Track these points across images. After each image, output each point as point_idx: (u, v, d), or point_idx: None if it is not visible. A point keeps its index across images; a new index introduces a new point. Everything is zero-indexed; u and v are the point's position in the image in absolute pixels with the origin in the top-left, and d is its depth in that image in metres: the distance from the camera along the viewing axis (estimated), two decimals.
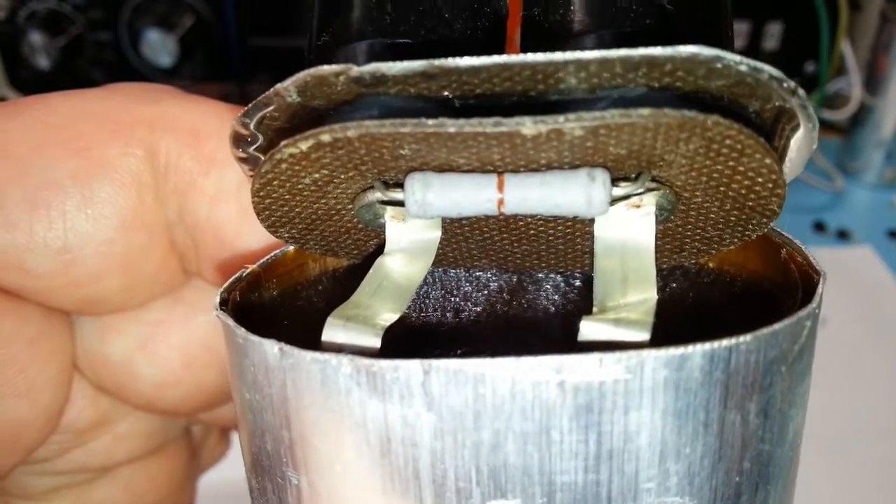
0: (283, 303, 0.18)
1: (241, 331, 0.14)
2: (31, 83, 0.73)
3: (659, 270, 0.17)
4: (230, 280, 0.16)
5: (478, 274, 0.19)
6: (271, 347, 0.13)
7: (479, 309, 0.19)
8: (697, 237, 0.16)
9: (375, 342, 0.15)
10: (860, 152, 0.77)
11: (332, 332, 0.15)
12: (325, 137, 0.13)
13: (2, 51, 0.74)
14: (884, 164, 0.76)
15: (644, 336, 0.14)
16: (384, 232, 0.17)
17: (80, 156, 0.18)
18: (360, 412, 0.13)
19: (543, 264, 0.18)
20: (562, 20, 0.15)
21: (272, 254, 0.17)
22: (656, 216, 0.15)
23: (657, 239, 0.16)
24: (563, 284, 0.19)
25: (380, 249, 0.17)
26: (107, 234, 0.18)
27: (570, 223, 0.16)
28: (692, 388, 0.13)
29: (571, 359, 0.12)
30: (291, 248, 0.18)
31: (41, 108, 0.18)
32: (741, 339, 0.13)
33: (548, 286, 0.19)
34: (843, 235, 0.70)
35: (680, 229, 0.16)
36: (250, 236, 0.19)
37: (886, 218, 0.74)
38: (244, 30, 0.75)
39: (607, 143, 0.13)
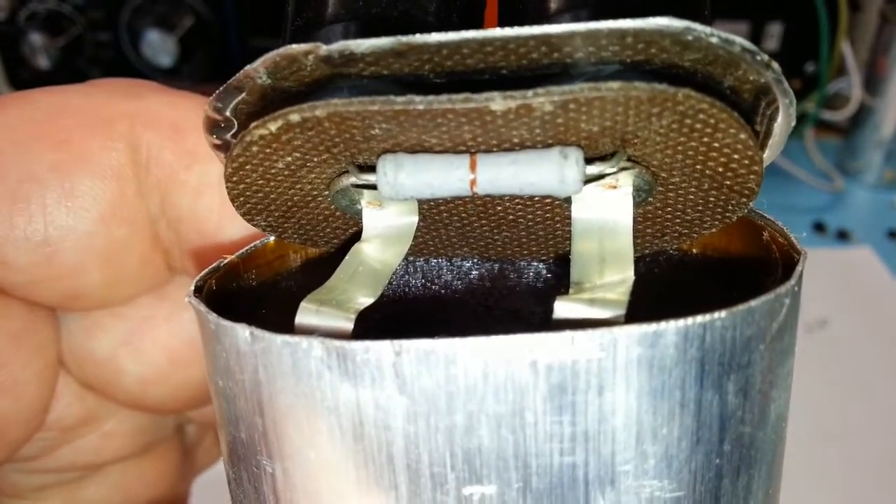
0: (263, 294, 0.18)
1: (213, 316, 0.14)
2: (31, 83, 0.74)
3: (642, 256, 0.17)
4: (207, 269, 0.16)
5: (459, 263, 0.19)
6: (242, 332, 0.13)
7: (459, 297, 0.19)
8: (678, 220, 0.16)
9: (348, 325, 0.15)
10: (860, 153, 0.77)
11: (305, 316, 0.15)
12: (294, 117, 0.13)
13: (2, 51, 0.74)
14: (884, 164, 0.76)
15: (619, 314, 0.14)
16: (362, 219, 0.16)
17: (60, 149, 0.18)
18: (332, 396, 0.13)
19: (525, 251, 0.18)
20: (538, 1, 0.15)
21: (251, 245, 0.17)
22: (634, 197, 0.15)
23: (637, 223, 0.16)
24: (544, 272, 0.19)
25: (358, 238, 0.17)
26: (87, 227, 0.19)
27: (548, 207, 0.16)
28: (667, 365, 0.12)
29: (543, 337, 0.12)
30: (272, 238, 0.17)
31: (23, 104, 0.19)
32: (716, 315, 0.12)
33: (529, 274, 0.19)
34: (842, 236, 0.70)
35: (660, 212, 0.16)
36: (232, 229, 0.19)
37: (886, 218, 0.73)
38: (244, 30, 0.76)
39: (578, 120, 0.13)
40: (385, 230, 0.16)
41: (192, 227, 0.19)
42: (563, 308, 0.14)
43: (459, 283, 0.19)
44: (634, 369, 0.12)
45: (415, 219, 0.16)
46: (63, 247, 0.18)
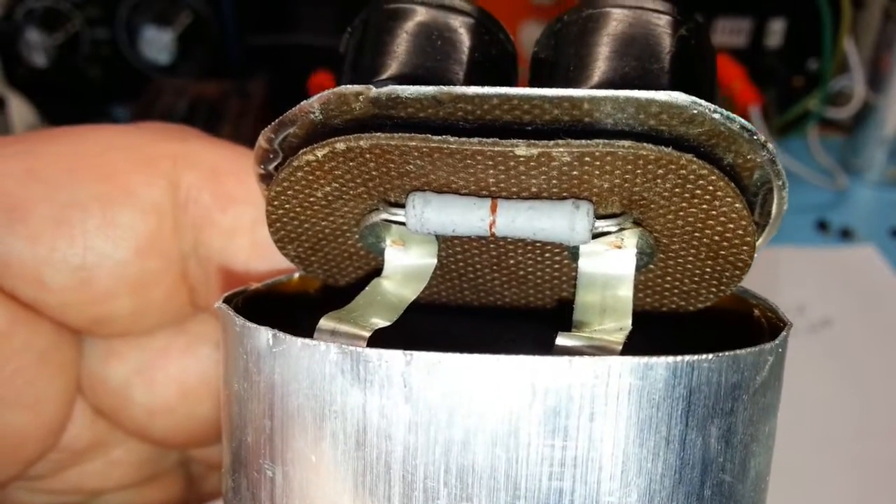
0: (280, 324, 0.19)
1: (240, 319, 0.15)
2: (28, 80, 0.74)
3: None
4: (234, 290, 0.17)
5: (453, 329, 0.20)
6: (266, 334, 0.14)
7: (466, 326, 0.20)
8: (675, 290, 0.17)
9: (363, 337, 0.16)
10: (863, 150, 0.77)
11: (324, 327, 0.16)
12: (340, 146, 0.15)
13: None
14: (887, 162, 0.77)
15: (615, 351, 0.15)
16: (383, 259, 0.18)
17: (106, 181, 0.19)
18: (340, 400, 0.14)
19: (531, 307, 0.19)
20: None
21: (277, 277, 0.19)
22: (637, 260, 0.16)
23: (638, 291, 0.17)
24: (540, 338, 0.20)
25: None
26: (123, 256, 0.20)
27: (557, 266, 0.17)
28: (655, 399, 0.13)
29: (544, 360, 0.13)
30: (296, 276, 0.19)
31: (75, 138, 0.20)
32: (704, 357, 0.13)
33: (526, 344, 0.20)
34: (846, 234, 0.71)
35: (659, 280, 0.17)
36: (259, 271, 0.20)
37: (890, 216, 0.74)
38: (242, 27, 0.76)
39: (592, 174, 0.14)
40: (405, 269, 0.18)
41: (221, 267, 0.20)
42: (564, 340, 0.15)
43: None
44: (625, 398, 0.13)
45: (433, 261, 0.18)
46: (98, 273, 0.19)
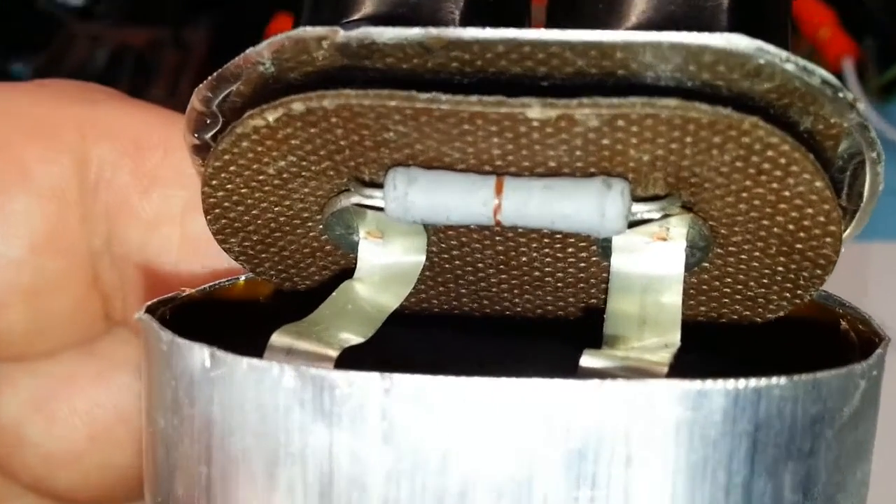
0: (219, 342, 0.19)
1: (167, 333, 0.15)
2: None
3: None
4: (161, 297, 0.17)
5: (447, 348, 0.19)
6: (201, 353, 0.14)
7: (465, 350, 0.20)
8: (738, 296, 0.17)
9: (329, 357, 0.16)
10: None
11: (278, 343, 0.16)
12: (298, 106, 0.14)
13: None
14: None
15: (659, 374, 0.15)
16: (355, 256, 0.17)
17: None
18: (299, 440, 0.13)
19: (548, 317, 0.19)
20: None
21: (218, 281, 0.18)
22: (687, 255, 0.16)
23: (689, 297, 0.17)
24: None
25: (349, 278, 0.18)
26: (15, 255, 0.19)
27: (583, 264, 0.17)
28: (711, 436, 0.13)
29: (567, 386, 0.13)
30: (242, 279, 0.18)
31: None
32: (774, 380, 0.13)
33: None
34: None
35: (716, 282, 0.17)
36: (193, 272, 0.20)
37: None
38: None
39: (627, 143, 0.14)
40: (384, 269, 0.17)
41: (142, 268, 0.20)
42: (591, 361, 0.15)
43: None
44: (672, 437, 0.13)
45: (421, 259, 0.17)
46: None
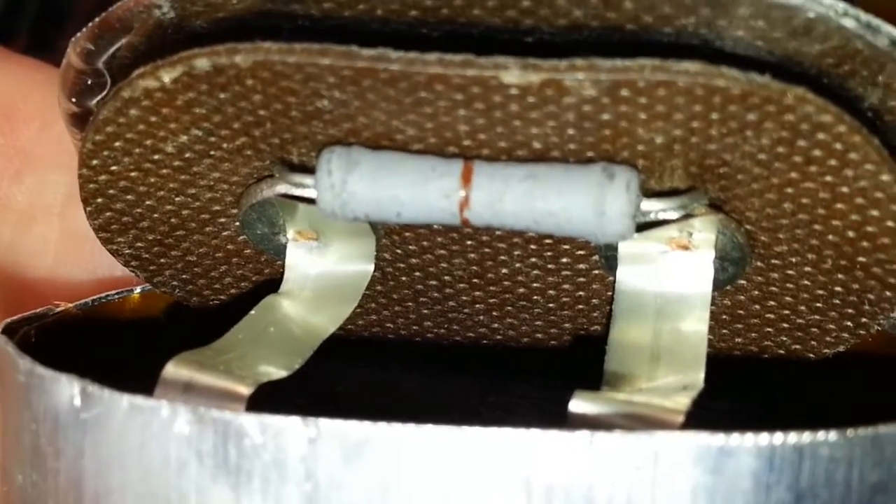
0: (100, 372, 0.18)
1: (26, 361, 0.13)
2: None
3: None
4: (26, 314, 0.16)
5: (403, 386, 0.18)
6: (69, 387, 0.13)
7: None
8: (784, 325, 0.16)
9: (240, 396, 0.14)
10: None
11: (170, 383, 0.14)
12: (202, 63, 0.13)
13: None
14: None
15: (673, 424, 0.13)
16: (282, 262, 0.16)
17: None
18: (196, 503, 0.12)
19: (535, 347, 0.17)
20: None
21: (104, 294, 0.17)
22: (716, 270, 0.15)
23: (718, 325, 0.16)
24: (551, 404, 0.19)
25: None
26: None
27: (581, 277, 0.16)
28: None
29: (551, 437, 0.12)
30: (137, 290, 0.17)
31: None
32: (821, 435, 0.12)
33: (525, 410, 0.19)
34: None
35: (755, 306, 0.15)
36: (73, 279, 0.19)
37: None
38: None
39: (635, 119, 0.13)
40: (318, 281, 0.16)
41: (12, 270, 0.19)
42: (582, 405, 0.13)
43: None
44: None
45: (368, 268, 0.16)
46: None
